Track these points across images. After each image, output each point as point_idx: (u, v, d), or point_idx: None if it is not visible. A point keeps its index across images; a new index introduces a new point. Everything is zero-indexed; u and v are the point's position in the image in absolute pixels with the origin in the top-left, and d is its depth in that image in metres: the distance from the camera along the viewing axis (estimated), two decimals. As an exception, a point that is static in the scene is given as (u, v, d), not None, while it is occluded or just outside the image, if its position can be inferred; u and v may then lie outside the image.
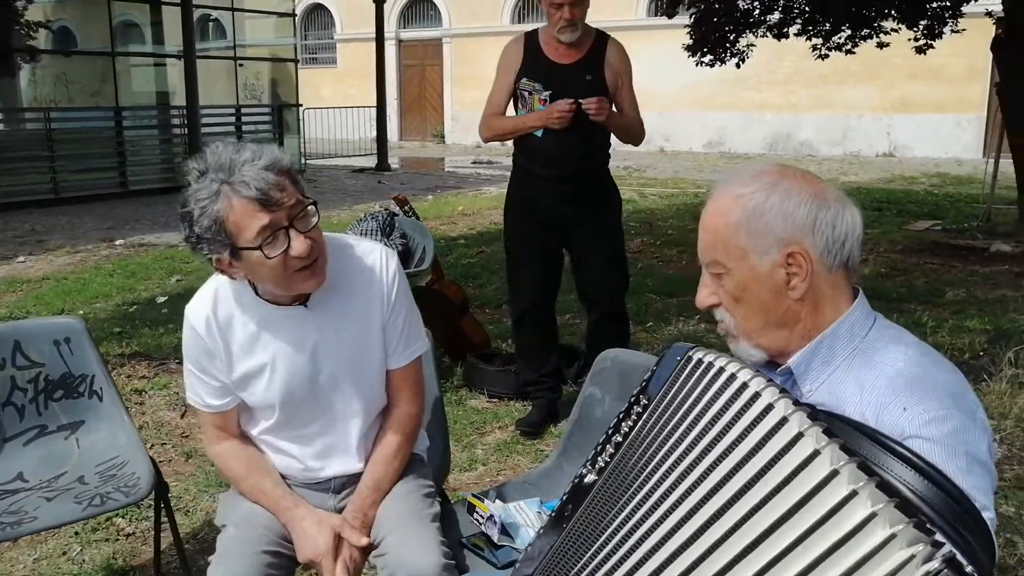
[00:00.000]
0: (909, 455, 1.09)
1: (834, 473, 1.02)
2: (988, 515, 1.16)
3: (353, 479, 2.05)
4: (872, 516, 0.97)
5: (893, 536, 0.96)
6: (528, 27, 3.84)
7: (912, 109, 18.11)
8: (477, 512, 2.21)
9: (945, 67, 17.11)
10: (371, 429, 2.06)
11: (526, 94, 3.72)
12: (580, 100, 3.55)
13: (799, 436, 1.06)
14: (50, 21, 13.73)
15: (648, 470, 1.22)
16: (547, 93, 3.66)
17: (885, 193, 12.08)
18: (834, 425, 1.13)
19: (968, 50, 15.14)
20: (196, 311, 1.91)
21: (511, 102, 3.84)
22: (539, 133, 3.70)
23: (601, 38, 3.75)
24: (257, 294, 1.89)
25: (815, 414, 1.11)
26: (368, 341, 1.96)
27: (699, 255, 1.43)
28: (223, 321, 1.90)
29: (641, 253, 7.94)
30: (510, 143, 3.90)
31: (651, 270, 7.15)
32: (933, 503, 1.05)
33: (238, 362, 1.91)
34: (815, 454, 1.04)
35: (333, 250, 1.89)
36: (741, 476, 1.09)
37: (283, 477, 2.03)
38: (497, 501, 2.27)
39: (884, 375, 1.30)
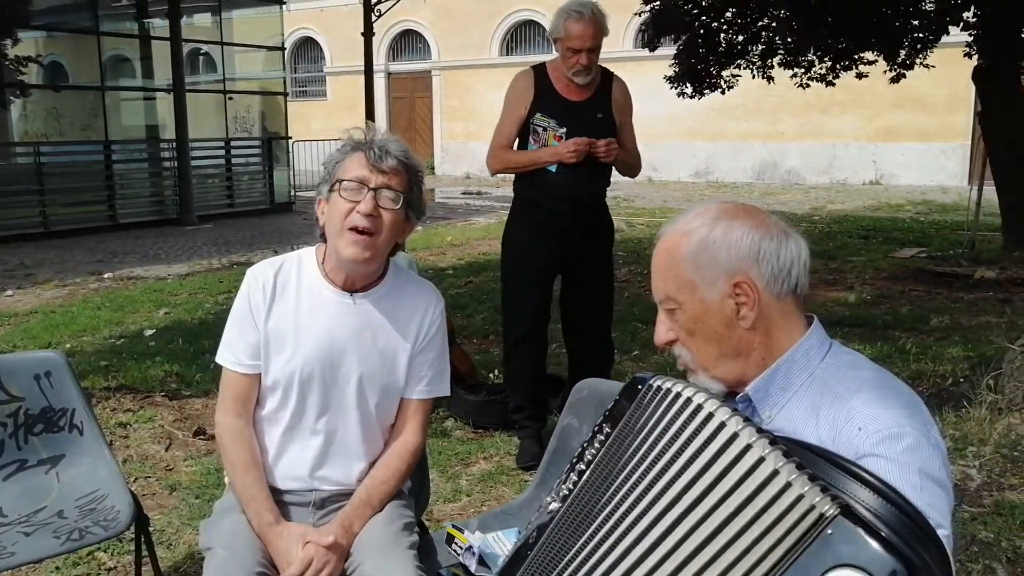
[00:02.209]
0: (865, 475, 1.13)
1: (775, 473, 1.11)
2: (943, 533, 1.19)
3: (335, 497, 2.09)
4: (800, 497, 1.08)
5: (823, 515, 1.08)
6: (516, 59, 3.92)
7: (897, 138, 18.30)
8: (456, 543, 2.22)
9: (929, 96, 17.33)
10: (371, 446, 2.11)
11: (540, 129, 3.78)
12: (595, 141, 3.67)
13: (748, 448, 1.14)
14: (41, 56, 13.83)
15: (610, 492, 1.25)
16: (563, 130, 3.75)
17: (871, 221, 12.18)
18: (792, 450, 1.16)
19: (951, 80, 15.34)
20: (260, 268, 2.08)
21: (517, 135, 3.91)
22: (553, 168, 3.76)
23: (607, 76, 3.87)
24: (321, 265, 2.06)
25: (764, 431, 1.16)
26: (394, 360, 2.08)
27: (653, 294, 1.48)
28: (280, 284, 2.05)
29: (628, 282, 7.98)
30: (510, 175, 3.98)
31: (638, 299, 7.18)
32: (889, 521, 1.08)
33: (276, 320, 2.03)
34: (760, 461, 1.12)
35: (399, 272, 2.13)
36: (695, 489, 1.16)
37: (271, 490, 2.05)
38: (476, 532, 2.28)
39: (840, 398, 1.33)
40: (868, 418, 1.28)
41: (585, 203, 3.85)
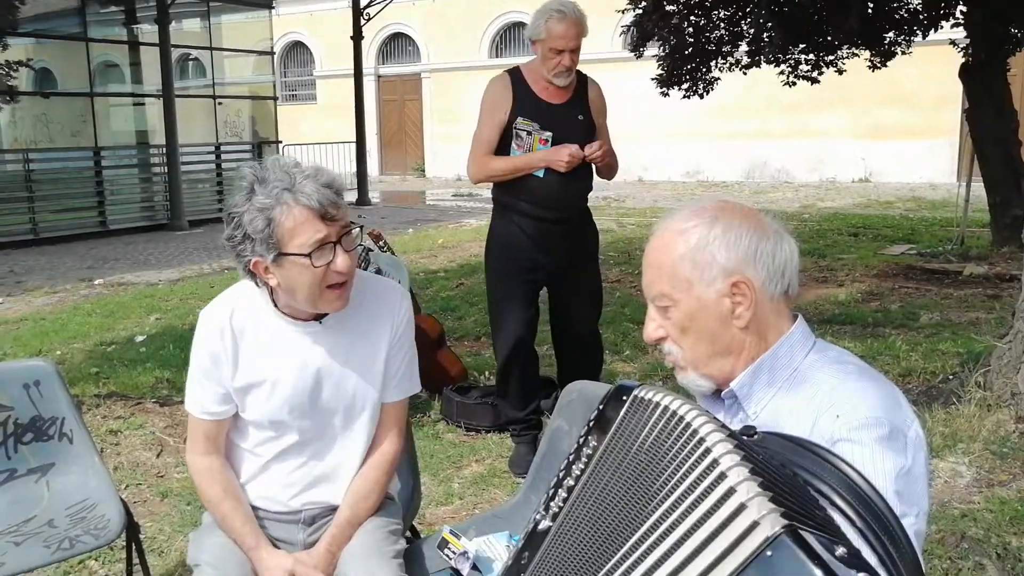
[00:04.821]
0: (836, 460, 1.12)
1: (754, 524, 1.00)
2: (908, 521, 1.20)
3: (325, 512, 2.07)
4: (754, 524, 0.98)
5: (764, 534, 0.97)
6: (506, 61, 3.85)
7: (886, 135, 18.34)
8: (449, 547, 2.21)
9: (916, 94, 17.39)
10: (359, 459, 2.08)
11: (524, 134, 3.66)
12: (586, 146, 3.61)
13: (731, 491, 1.04)
14: (30, 61, 13.79)
15: (600, 518, 1.19)
16: (548, 133, 3.64)
17: (861, 218, 12.21)
18: (771, 440, 1.16)
19: (939, 77, 15.40)
20: (212, 316, 1.96)
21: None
22: (540, 174, 3.65)
23: (581, 78, 3.79)
24: (276, 307, 1.93)
25: (751, 457, 1.07)
26: (372, 370, 2.01)
27: (644, 290, 1.47)
28: (237, 329, 1.94)
29: (619, 283, 8.00)
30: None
31: (629, 300, 7.19)
32: (859, 509, 1.08)
33: (244, 370, 1.94)
34: (741, 508, 1.01)
35: (356, 279, 1.96)
36: (682, 528, 1.07)
37: (256, 508, 2.04)
38: (473, 537, 2.28)
39: (821, 391, 1.35)
40: (847, 407, 1.30)
41: (571, 208, 3.78)
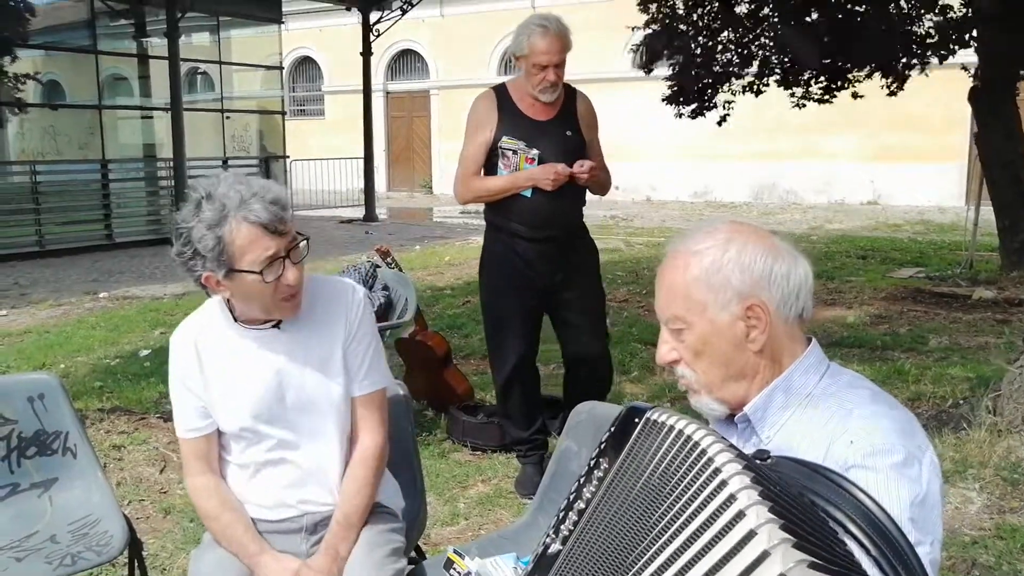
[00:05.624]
0: (850, 487, 1.10)
1: (752, 533, 0.98)
2: (923, 550, 1.18)
3: (325, 519, 2.07)
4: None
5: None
6: (514, 79, 3.78)
7: (894, 158, 18.33)
8: (455, 568, 2.19)
9: (926, 117, 17.38)
10: (344, 456, 2.08)
11: (510, 152, 3.59)
12: (573, 166, 3.53)
13: (752, 534, 0.99)
14: (39, 74, 13.86)
15: (611, 543, 1.17)
16: (535, 151, 3.57)
17: (869, 241, 12.18)
18: (784, 465, 1.13)
19: (947, 100, 15.41)
20: (179, 338, 2.05)
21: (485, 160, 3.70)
22: (528, 193, 3.59)
23: (569, 92, 3.71)
24: (234, 317, 1.99)
25: (768, 492, 1.03)
26: (332, 366, 2.03)
27: (657, 312, 1.45)
28: (201, 345, 2.01)
29: (627, 302, 7.95)
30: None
31: (637, 320, 7.15)
32: (874, 537, 1.05)
33: (211, 384, 2.00)
34: (764, 556, 0.97)
35: (309, 281, 2.02)
36: (700, 569, 1.02)
37: (256, 520, 2.04)
38: (476, 558, 2.25)
39: (835, 416, 1.33)
40: (861, 432, 1.29)
41: (561, 226, 3.69)
